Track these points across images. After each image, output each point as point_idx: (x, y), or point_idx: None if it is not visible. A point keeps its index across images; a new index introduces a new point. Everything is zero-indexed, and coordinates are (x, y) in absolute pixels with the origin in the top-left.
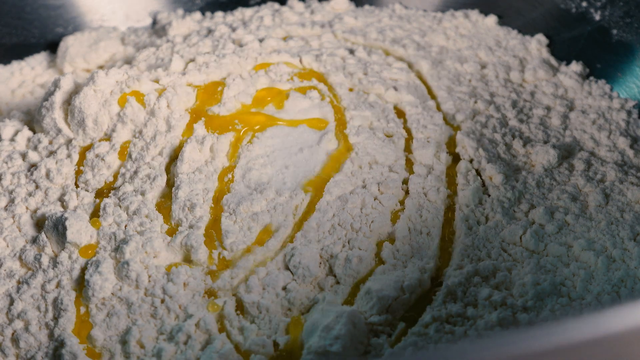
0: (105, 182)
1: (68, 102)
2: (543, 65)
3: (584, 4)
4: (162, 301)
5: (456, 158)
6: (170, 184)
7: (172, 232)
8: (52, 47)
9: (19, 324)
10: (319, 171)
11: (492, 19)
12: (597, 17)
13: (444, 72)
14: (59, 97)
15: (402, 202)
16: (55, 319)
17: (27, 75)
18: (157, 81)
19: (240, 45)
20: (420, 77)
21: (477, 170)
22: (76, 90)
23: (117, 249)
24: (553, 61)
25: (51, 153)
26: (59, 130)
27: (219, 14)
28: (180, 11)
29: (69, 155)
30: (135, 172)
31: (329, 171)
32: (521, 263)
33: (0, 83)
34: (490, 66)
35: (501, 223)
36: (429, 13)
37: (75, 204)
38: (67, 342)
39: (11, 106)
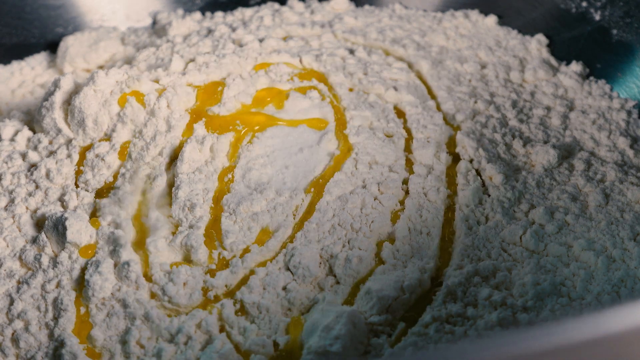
0: (105, 182)
1: (68, 102)
2: (543, 65)
3: (584, 4)
4: (162, 301)
5: (456, 158)
6: (170, 184)
7: (172, 232)
8: (52, 47)
9: (19, 324)
10: (319, 171)
11: (492, 19)
12: (597, 17)
13: (444, 72)
14: (59, 97)
15: (402, 202)
16: (55, 319)
17: (27, 75)
18: (157, 81)
19: (240, 45)
20: (420, 77)
21: (477, 170)
22: (76, 90)
23: (116, 249)
24: (553, 61)
25: (51, 153)
26: (59, 130)
27: (219, 14)
28: (180, 11)
29: (69, 155)
30: (135, 172)
31: (329, 171)
32: (521, 263)
33: (0, 83)
34: (490, 66)
35: (501, 223)
36: (429, 13)
37: (75, 204)
38: (67, 342)
39: (11, 106)
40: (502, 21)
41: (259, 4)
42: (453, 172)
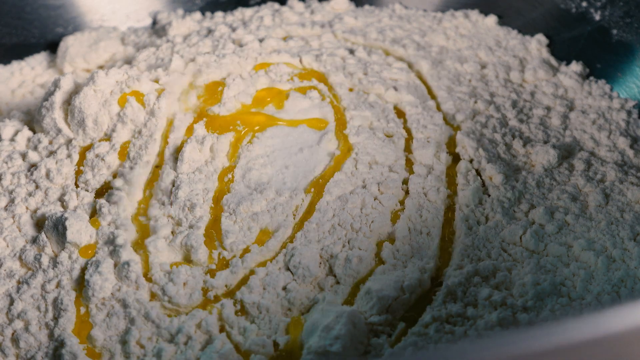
0: (105, 182)
1: (68, 102)
2: (543, 65)
3: (584, 4)
4: (162, 301)
5: (456, 158)
6: (171, 184)
7: (172, 232)
8: (52, 47)
9: (19, 324)
10: (319, 171)
11: (492, 19)
12: (597, 17)
13: (444, 72)
14: (59, 97)
15: (402, 202)
16: (55, 319)
17: (27, 75)
18: (157, 81)
19: (240, 45)
20: (420, 77)
21: (477, 170)
22: (76, 90)
23: (116, 249)
24: (553, 61)
25: (51, 153)
26: (59, 130)
27: (219, 14)
28: (180, 11)
29: (69, 155)
30: (135, 172)
31: (329, 171)
32: (521, 263)
33: (0, 83)
34: (490, 66)
35: (501, 223)
36: (429, 13)
37: (75, 204)
38: (67, 342)
39: (11, 106)
40: (502, 21)
41: (259, 4)
42: (453, 172)
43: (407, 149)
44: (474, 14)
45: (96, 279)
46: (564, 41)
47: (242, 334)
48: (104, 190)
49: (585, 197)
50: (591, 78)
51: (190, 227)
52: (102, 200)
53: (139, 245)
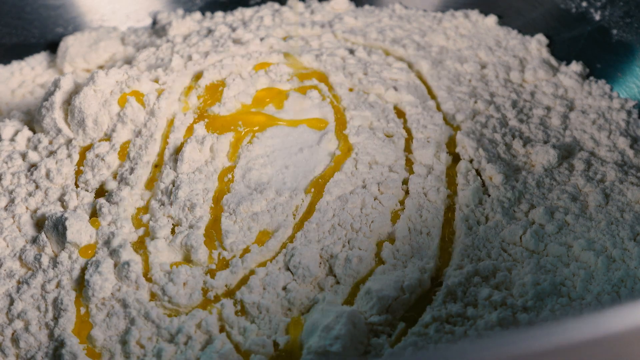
0: (105, 182)
1: (68, 102)
2: (543, 65)
3: (584, 4)
4: (162, 301)
5: (456, 158)
6: (171, 184)
7: (172, 232)
8: (52, 47)
9: (19, 324)
10: (319, 171)
11: (492, 19)
12: (597, 17)
13: (444, 72)
14: (59, 97)
15: (402, 202)
16: (55, 319)
17: (27, 75)
18: (157, 81)
19: (241, 45)
20: (420, 77)
21: (477, 170)
22: (76, 90)
23: (116, 249)
24: (553, 61)
25: (51, 153)
26: (59, 130)
27: (219, 14)
28: (180, 11)
29: (69, 155)
30: (135, 172)
31: (329, 171)
32: (521, 263)
33: (0, 83)
34: (490, 66)
35: (501, 223)
36: (429, 13)
37: (75, 204)
38: (67, 342)
39: (11, 106)
40: (502, 21)
41: (259, 4)
42: (453, 172)
43: (407, 149)
44: (474, 14)
45: (96, 279)
46: (564, 41)
47: (242, 334)
48: (104, 190)
49: (585, 197)
50: (591, 78)
51: (190, 227)
52: (102, 200)
53: (139, 245)
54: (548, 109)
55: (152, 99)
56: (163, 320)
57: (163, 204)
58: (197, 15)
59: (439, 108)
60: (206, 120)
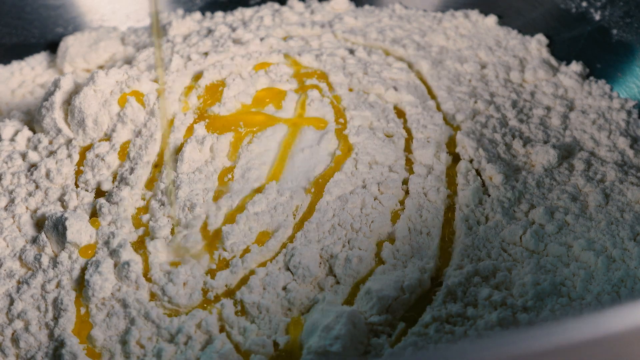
0: (105, 182)
1: (68, 102)
2: (543, 65)
3: (584, 4)
4: (162, 301)
5: (456, 158)
6: (171, 184)
7: (171, 232)
8: (52, 47)
9: (19, 324)
10: (319, 171)
11: (492, 19)
12: (597, 17)
13: (444, 72)
14: (59, 97)
15: (402, 202)
16: (55, 319)
17: (27, 75)
18: (157, 81)
19: (241, 45)
20: (420, 77)
21: (477, 170)
22: (76, 90)
23: (116, 249)
24: (553, 61)
25: (51, 153)
26: (59, 130)
27: (219, 14)
28: (180, 11)
29: (69, 155)
30: (135, 172)
31: (329, 171)
32: (521, 263)
33: (0, 83)
34: (490, 66)
35: (501, 223)
36: (429, 13)
37: (75, 204)
38: (67, 342)
39: (11, 106)
40: (502, 21)
41: (259, 4)
42: (453, 172)
43: (407, 149)
44: (474, 14)
45: (96, 279)
46: (564, 41)
47: (242, 334)
48: (104, 190)
49: (585, 197)
50: (591, 78)
51: (191, 227)
52: (102, 200)
53: (139, 245)
54: (548, 109)
55: (152, 99)
56: (163, 320)
57: (163, 204)
58: (197, 15)
59: (439, 108)
60: (206, 120)
